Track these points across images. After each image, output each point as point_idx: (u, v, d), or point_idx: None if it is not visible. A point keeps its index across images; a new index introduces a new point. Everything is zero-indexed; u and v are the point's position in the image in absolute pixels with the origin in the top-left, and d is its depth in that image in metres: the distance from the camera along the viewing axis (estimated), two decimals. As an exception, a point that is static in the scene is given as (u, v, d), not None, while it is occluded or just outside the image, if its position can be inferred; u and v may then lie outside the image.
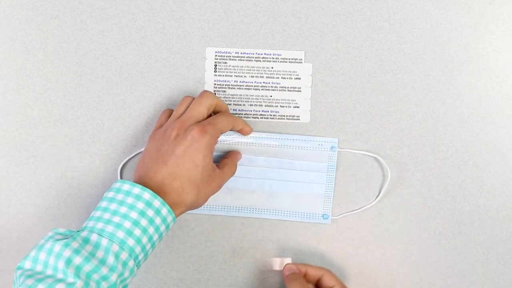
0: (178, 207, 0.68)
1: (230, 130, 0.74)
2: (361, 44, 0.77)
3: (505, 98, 0.78)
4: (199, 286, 0.78)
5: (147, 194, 0.65)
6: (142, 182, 0.67)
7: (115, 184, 0.67)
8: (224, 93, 0.77)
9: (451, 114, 0.78)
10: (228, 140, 0.77)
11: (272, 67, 0.77)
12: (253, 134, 0.77)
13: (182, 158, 0.67)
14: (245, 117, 0.78)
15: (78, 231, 0.64)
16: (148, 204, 0.64)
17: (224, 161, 0.74)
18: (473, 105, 0.78)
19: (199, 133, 0.67)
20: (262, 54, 0.77)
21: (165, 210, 0.65)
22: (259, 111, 0.78)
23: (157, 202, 0.65)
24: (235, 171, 0.75)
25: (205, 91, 0.72)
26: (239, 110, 0.78)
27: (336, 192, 0.78)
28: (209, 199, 0.71)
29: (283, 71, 0.77)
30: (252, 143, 0.77)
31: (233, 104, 0.78)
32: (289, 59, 0.77)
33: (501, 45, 0.77)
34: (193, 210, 0.73)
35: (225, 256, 0.78)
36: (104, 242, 0.62)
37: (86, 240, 0.62)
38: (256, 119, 0.78)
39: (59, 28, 0.77)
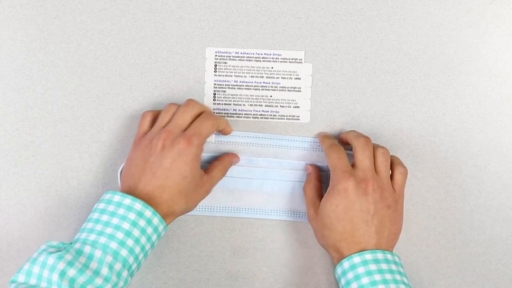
0: (168, 216, 0.69)
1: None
2: (361, 44, 0.77)
3: (505, 98, 0.77)
4: (199, 286, 0.78)
5: (138, 205, 0.65)
6: (132, 193, 0.68)
7: (105, 195, 0.67)
8: (224, 93, 0.77)
9: (451, 114, 0.78)
10: (228, 140, 0.77)
11: (272, 67, 0.77)
12: (253, 135, 0.77)
13: (170, 170, 0.67)
14: (245, 117, 0.78)
15: (71, 243, 0.64)
16: (140, 214, 0.65)
17: (215, 163, 0.74)
18: (473, 105, 0.78)
19: (186, 145, 0.68)
20: (262, 54, 0.77)
21: (156, 220, 0.66)
22: (259, 111, 0.78)
23: (148, 212, 0.66)
24: (224, 174, 0.75)
25: (190, 100, 0.72)
26: (239, 110, 0.78)
27: (336, 192, 0.78)
28: (210, 201, 0.73)
29: (283, 71, 0.77)
30: (252, 143, 0.77)
31: (233, 104, 0.78)
32: (289, 59, 0.77)
33: (501, 45, 0.77)
34: (193, 212, 0.75)
35: (225, 256, 0.78)
36: (98, 253, 0.63)
37: (79, 252, 0.63)
38: (256, 119, 0.78)
39: (59, 28, 0.77)
